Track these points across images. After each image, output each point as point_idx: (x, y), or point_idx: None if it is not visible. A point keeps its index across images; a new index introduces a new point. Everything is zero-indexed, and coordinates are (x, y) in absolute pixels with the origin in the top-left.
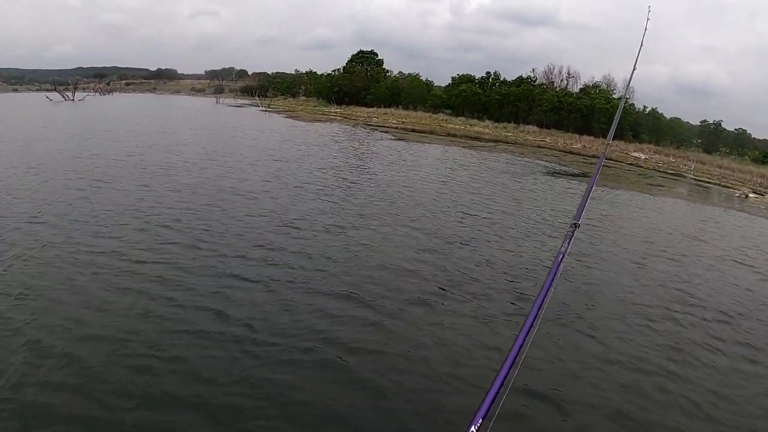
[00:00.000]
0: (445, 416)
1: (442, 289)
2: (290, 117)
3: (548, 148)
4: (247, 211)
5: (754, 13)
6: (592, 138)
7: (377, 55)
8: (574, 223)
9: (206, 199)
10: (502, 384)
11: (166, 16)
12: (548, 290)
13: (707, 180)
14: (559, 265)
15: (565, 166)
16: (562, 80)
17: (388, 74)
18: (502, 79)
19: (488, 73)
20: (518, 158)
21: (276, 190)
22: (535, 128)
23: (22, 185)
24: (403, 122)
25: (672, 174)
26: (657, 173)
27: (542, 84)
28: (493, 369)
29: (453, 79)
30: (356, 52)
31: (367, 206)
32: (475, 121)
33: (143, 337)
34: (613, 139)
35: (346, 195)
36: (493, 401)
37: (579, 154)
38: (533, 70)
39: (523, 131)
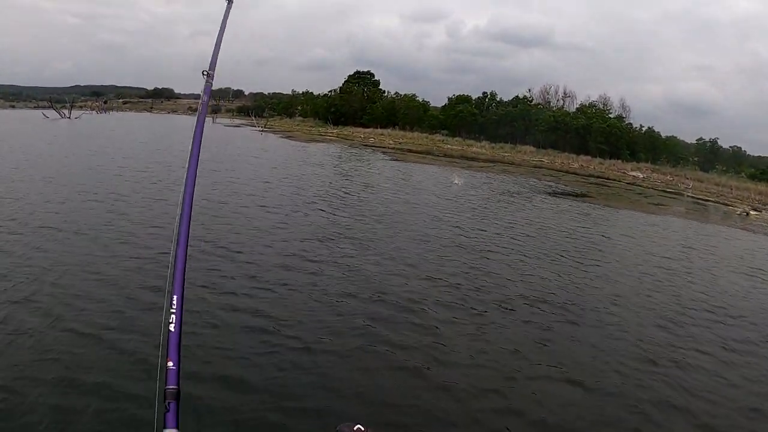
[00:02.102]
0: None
1: (468, 297)
2: (287, 137)
3: (546, 168)
4: (267, 224)
5: (745, 33)
6: (589, 158)
7: (374, 76)
8: (209, 73)
9: (223, 213)
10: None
11: (165, 37)
12: (197, 159)
13: (706, 198)
14: (204, 120)
15: (565, 186)
16: (558, 100)
17: (384, 95)
18: (498, 99)
19: (485, 93)
20: (518, 179)
21: (292, 206)
22: (532, 148)
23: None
24: (400, 143)
25: (671, 192)
26: (656, 192)
27: (539, 104)
28: (526, 365)
29: (449, 99)
30: (353, 72)
31: (383, 222)
32: (471, 141)
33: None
34: (610, 158)
35: (357, 212)
36: (184, 270)
37: (577, 174)
38: (530, 90)
39: (520, 151)
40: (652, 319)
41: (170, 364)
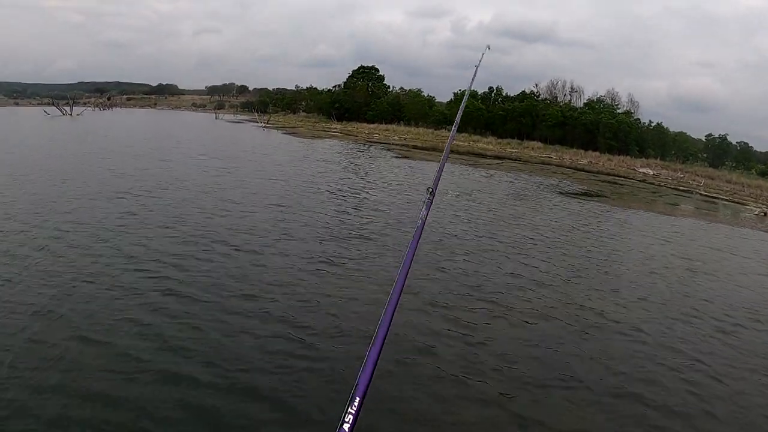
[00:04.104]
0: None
1: (503, 303)
2: (290, 134)
3: (555, 165)
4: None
5: (750, 29)
6: (597, 154)
7: (378, 71)
8: (432, 191)
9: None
10: (376, 362)
11: (169, 34)
12: (411, 259)
13: (720, 196)
14: (420, 234)
15: (577, 185)
16: (565, 95)
17: (389, 90)
18: (504, 94)
19: (491, 88)
20: (531, 177)
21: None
22: (540, 144)
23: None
24: (405, 139)
25: (684, 191)
26: (669, 190)
27: (546, 99)
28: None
29: (455, 94)
30: (357, 67)
31: (402, 224)
32: (478, 137)
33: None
34: (619, 154)
35: (374, 214)
36: (370, 378)
37: (588, 171)
38: (536, 84)
39: (528, 147)
40: (704, 329)
41: None
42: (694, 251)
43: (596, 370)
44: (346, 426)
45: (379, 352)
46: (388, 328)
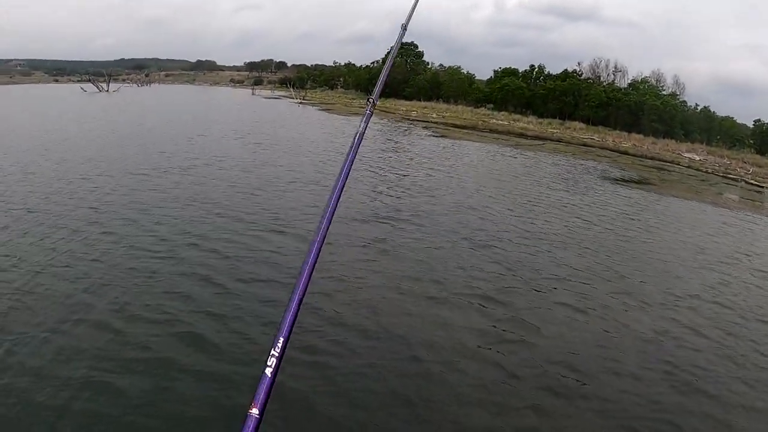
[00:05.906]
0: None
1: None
2: (326, 110)
3: (598, 147)
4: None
5: None
6: (641, 136)
7: (417, 47)
8: (373, 101)
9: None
10: (300, 302)
11: (208, 11)
12: (348, 171)
13: None
14: (358, 146)
15: (623, 170)
16: (608, 75)
17: (428, 67)
18: (546, 72)
19: (532, 66)
20: (574, 160)
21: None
22: (582, 125)
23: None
24: (443, 117)
25: (733, 178)
26: (719, 178)
27: (588, 78)
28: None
29: (495, 72)
30: None
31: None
32: (518, 116)
33: None
34: (663, 137)
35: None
36: (294, 319)
37: (632, 155)
38: (579, 63)
39: (569, 128)
40: None
41: (254, 411)
42: (755, 247)
43: (658, 386)
44: (268, 371)
45: (304, 293)
46: (312, 267)
